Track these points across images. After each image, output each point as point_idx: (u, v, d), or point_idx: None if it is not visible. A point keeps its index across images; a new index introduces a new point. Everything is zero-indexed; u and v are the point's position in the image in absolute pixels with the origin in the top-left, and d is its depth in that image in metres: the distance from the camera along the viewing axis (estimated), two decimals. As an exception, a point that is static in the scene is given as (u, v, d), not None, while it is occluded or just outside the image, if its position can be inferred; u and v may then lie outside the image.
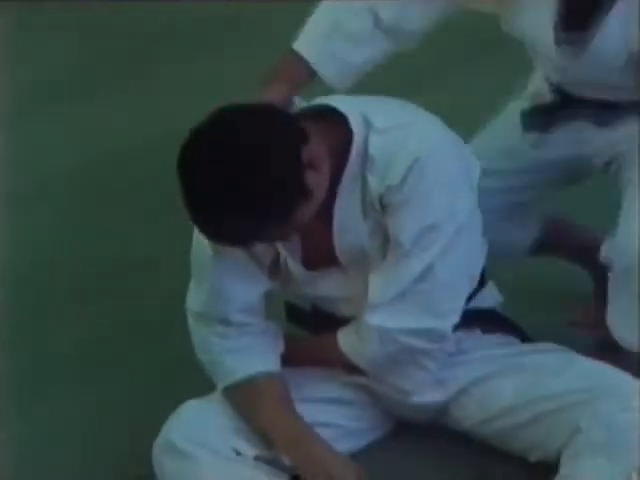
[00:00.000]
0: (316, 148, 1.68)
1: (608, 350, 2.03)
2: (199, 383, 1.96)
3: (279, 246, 1.84)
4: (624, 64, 1.89)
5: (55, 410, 2.25)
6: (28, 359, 2.38)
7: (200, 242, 1.84)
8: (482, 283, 1.94)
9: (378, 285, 1.79)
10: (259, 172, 1.61)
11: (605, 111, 2.02)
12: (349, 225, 1.78)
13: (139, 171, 3.13)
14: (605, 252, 2.00)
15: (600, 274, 2.12)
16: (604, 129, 2.04)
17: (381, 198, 1.73)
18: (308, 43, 1.88)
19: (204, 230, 1.70)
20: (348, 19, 1.88)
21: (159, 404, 1.98)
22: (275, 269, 1.88)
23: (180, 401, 1.92)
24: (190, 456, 1.82)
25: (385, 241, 1.77)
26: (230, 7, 4.11)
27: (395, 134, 1.74)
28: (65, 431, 2.18)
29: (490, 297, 1.99)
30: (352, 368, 1.89)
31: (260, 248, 1.83)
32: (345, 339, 1.87)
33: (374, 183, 1.73)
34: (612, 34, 1.86)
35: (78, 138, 3.42)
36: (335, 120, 1.75)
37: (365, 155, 1.73)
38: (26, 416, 2.23)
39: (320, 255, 1.83)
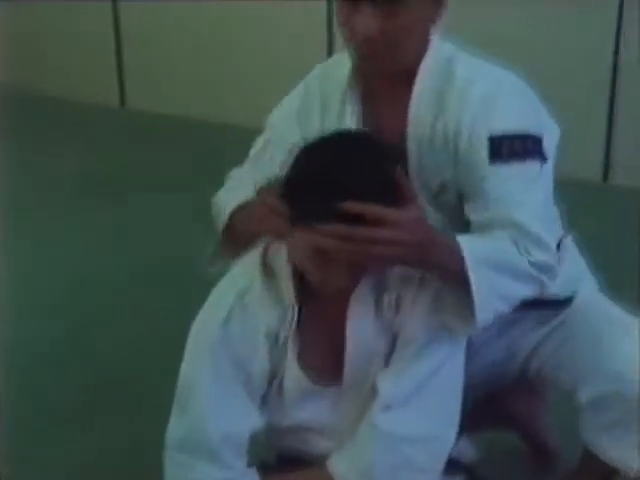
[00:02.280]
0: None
1: None
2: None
3: (290, 351, 1.80)
4: None
5: (55, 456, 2.38)
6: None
7: (192, 365, 1.80)
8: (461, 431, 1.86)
9: (390, 380, 1.76)
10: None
11: None
12: (363, 313, 1.77)
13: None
14: (599, 388, 1.91)
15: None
16: None
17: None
18: None
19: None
20: None
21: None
22: (265, 401, 1.83)
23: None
24: None
25: (391, 345, 1.77)
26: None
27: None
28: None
29: (467, 450, 1.95)
30: None
31: (258, 373, 1.79)
32: (337, 460, 1.79)
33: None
34: None
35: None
36: None
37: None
38: (26, 460, 2.37)
39: (328, 362, 1.81)
